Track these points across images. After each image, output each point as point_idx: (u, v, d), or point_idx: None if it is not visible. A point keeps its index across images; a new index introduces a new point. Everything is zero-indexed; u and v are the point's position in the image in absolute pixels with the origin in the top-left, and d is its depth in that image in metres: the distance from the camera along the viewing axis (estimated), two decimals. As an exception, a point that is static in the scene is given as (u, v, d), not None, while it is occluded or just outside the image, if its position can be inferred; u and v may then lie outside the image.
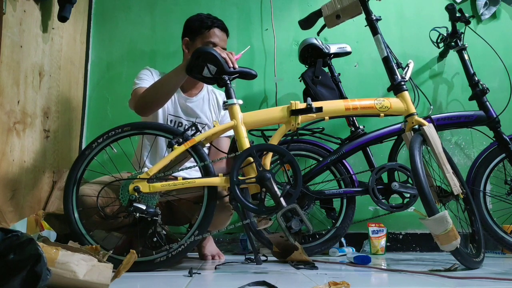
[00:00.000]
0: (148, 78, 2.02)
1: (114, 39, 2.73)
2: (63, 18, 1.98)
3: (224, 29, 2.09)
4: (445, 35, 2.41)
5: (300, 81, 2.36)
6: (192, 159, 1.71)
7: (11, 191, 1.77)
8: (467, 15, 2.37)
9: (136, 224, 1.60)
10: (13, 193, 1.78)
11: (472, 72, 2.30)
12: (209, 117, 2.13)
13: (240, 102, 1.73)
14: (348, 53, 2.43)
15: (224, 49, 2.02)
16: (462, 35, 2.38)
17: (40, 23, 1.98)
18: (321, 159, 2.24)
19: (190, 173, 2.01)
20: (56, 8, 2.02)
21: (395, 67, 1.90)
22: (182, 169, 1.78)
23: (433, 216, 1.53)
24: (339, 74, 2.39)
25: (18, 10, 1.75)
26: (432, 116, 2.13)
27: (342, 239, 2.35)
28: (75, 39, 2.47)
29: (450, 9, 2.36)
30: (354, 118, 2.29)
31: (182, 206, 1.89)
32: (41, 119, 2.02)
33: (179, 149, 1.64)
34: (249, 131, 2.06)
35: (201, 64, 1.73)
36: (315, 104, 1.73)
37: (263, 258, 1.96)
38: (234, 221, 1.92)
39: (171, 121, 2.08)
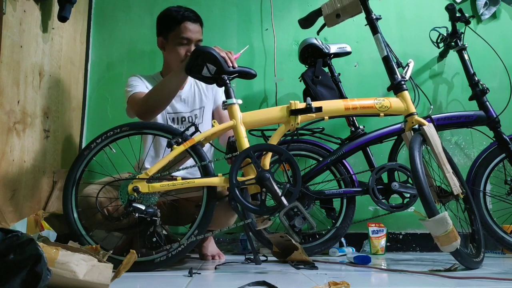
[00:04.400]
0: (140, 83, 2.03)
1: (114, 39, 2.73)
2: (63, 18, 1.98)
3: (196, 20, 2.06)
4: (445, 35, 2.41)
5: (300, 81, 2.36)
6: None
7: (11, 191, 1.77)
8: (467, 15, 2.37)
9: (137, 225, 1.60)
10: (13, 193, 1.78)
11: (472, 72, 2.30)
12: (207, 94, 2.14)
13: (240, 101, 1.72)
14: (348, 53, 2.43)
15: (200, 40, 2.05)
16: (462, 35, 2.38)
17: (40, 23, 1.98)
18: (321, 159, 2.23)
19: (191, 172, 2.01)
20: (56, 8, 2.02)
21: (395, 67, 1.90)
22: (183, 169, 1.78)
23: (433, 217, 1.53)
24: (339, 74, 2.39)
25: (18, 10, 1.75)
26: (432, 116, 2.13)
27: (342, 239, 2.35)
28: (75, 39, 2.47)
29: (450, 9, 2.36)
30: (354, 118, 2.29)
31: (185, 204, 1.89)
32: (41, 119, 2.02)
33: (178, 149, 1.64)
34: (249, 131, 2.07)
35: (200, 63, 1.73)
36: (315, 104, 1.73)
37: (263, 258, 1.96)
38: (234, 221, 1.92)
39: (173, 119, 2.08)
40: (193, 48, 2.01)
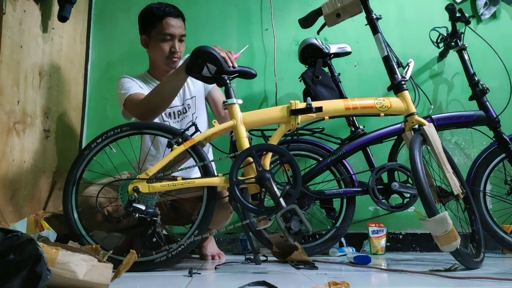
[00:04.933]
0: (133, 84, 2.02)
1: (114, 39, 2.72)
2: (63, 18, 1.98)
3: (178, 15, 2.06)
4: (445, 35, 2.41)
5: (300, 81, 2.36)
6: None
7: (11, 191, 1.77)
8: (467, 15, 2.37)
9: (137, 225, 1.60)
10: (13, 193, 1.78)
11: (472, 72, 2.30)
12: (194, 82, 2.13)
13: (240, 101, 1.72)
14: (348, 53, 2.43)
15: (183, 35, 2.05)
16: (462, 35, 2.38)
17: (40, 23, 1.98)
18: (321, 159, 2.23)
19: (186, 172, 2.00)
20: (56, 8, 2.02)
21: (395, 66, 1.90)
22: (183, 169, 1.78)
23: (433, 217, 1.53)
24: (339, 74, 2.39)
25: (18, 10, 1.75)
26: (432, 116, 2.13)
27: (342, 239, 2.35)
28: (75, 39, 2.47)
29: (450, 9, 2.36)
30: (354, 118, 2.29)
31: (183, 204, 1.89)
32: (41, 119, 2.02)
33: (178, 149, 1.64)
34: (249, 131, 2.07)
35: (200, 63, 1.73)
36: (315, 104, 1.73)
37: (263, 258, 1.96)
38: (234, 221, 1.91)
39: (169, 114, 2.08)
40: (176, 43, 2.03)
